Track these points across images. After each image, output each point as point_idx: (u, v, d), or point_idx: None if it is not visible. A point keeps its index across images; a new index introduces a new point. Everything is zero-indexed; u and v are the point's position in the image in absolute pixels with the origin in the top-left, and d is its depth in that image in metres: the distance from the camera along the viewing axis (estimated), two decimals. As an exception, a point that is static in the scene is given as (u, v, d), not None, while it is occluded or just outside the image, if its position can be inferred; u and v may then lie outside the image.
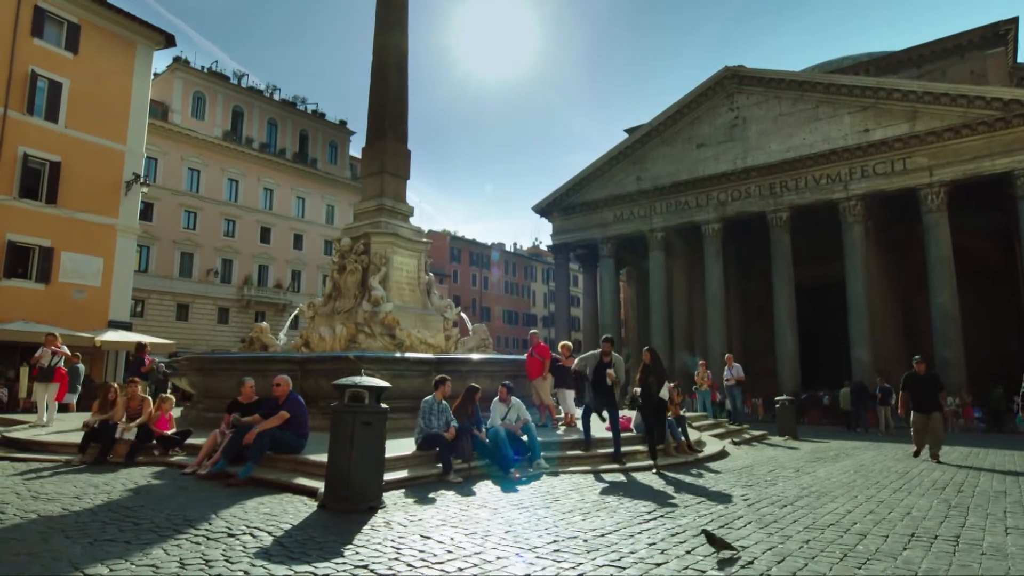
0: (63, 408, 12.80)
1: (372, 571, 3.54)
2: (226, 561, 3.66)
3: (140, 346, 12.90)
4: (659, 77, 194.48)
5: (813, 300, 29.18)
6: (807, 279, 28.37)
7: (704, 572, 3.66)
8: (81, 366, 14.00)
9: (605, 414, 8.79)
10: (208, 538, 4.18)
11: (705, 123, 30.72)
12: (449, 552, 3.98)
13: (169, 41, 25.56)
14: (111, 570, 3.44)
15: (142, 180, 24.61)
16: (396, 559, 3.79)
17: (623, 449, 8.46)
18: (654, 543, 4.32)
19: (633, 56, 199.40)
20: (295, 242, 42.40)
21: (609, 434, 8.56)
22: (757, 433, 14.05)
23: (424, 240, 13.64)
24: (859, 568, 3.82)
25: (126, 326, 23.35)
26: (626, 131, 36.67)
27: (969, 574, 3.74)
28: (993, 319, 26.36)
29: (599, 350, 8.80)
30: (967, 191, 24.57)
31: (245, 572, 3.47)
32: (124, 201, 23.63)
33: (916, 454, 10.87)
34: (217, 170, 38.39)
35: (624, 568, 3.72)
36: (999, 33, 28.38)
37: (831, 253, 26.69)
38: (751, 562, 3.90)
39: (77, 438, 8.31)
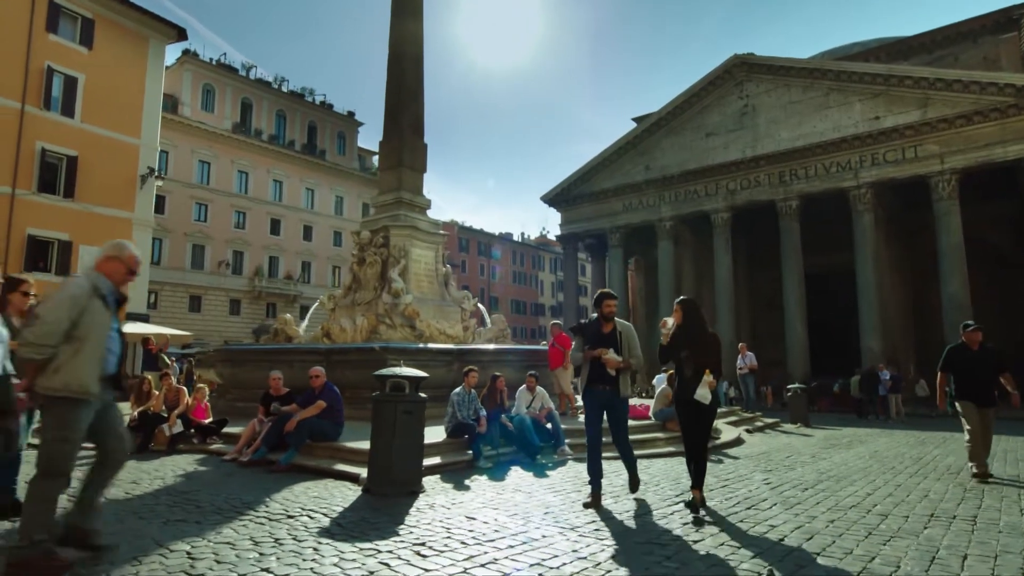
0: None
1: (431, 547, 3.80)
2: (293, 539, 3.93)
3: (145, 339, 15.23)
4: (667, 66, 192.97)
5: (823, 289, 29.22)
6: (817, 268, 28.41)
7: (738, 549, 3.90)
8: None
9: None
10: (270, 519, 4.45)
11: (714, 111, 30.64)
12: (496, 531, 4.24)
13: (181, 35, 25.70)
14: (192, 547, 3.72)
15: (155, 174, 24.90)
16: (449, 537, 4.06)
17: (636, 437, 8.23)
18: (687, 523, 4.57)
19: (640, 44, 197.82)
20: (305, 233, 42.73)
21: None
22: (770, 421, 14.27)
23: (441, 232, 13.88)
24: (884, 544, 4.06)
25: (143, 318, 23.74)
26: (634, 120, 36.59)
27: (988, 550, 3.97)
28: (1005, 307, 26.38)
29: (594, 316, 5.44)
30: (979, 178, 24.52)
31: (314, 548, 3.74)
32: (139, 195, 23.94)
33: (981, 475, 6.59)
34: (227, 162, 38.66)
35: (664, 545, 3.97)
36: (1012, 18, 28.11)
37: (841, 242, 26.69)
38: (782, 539, 4.14)
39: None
